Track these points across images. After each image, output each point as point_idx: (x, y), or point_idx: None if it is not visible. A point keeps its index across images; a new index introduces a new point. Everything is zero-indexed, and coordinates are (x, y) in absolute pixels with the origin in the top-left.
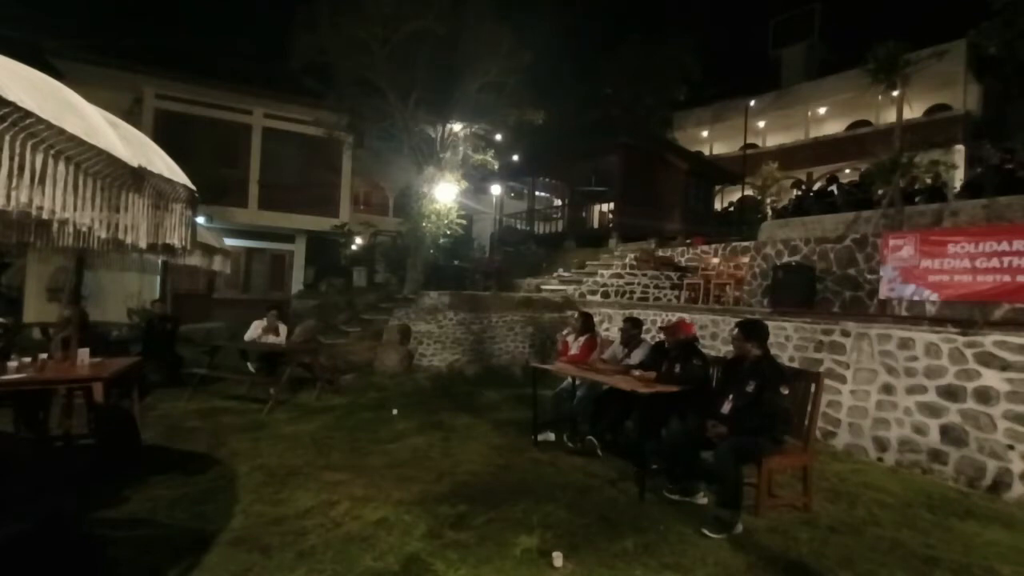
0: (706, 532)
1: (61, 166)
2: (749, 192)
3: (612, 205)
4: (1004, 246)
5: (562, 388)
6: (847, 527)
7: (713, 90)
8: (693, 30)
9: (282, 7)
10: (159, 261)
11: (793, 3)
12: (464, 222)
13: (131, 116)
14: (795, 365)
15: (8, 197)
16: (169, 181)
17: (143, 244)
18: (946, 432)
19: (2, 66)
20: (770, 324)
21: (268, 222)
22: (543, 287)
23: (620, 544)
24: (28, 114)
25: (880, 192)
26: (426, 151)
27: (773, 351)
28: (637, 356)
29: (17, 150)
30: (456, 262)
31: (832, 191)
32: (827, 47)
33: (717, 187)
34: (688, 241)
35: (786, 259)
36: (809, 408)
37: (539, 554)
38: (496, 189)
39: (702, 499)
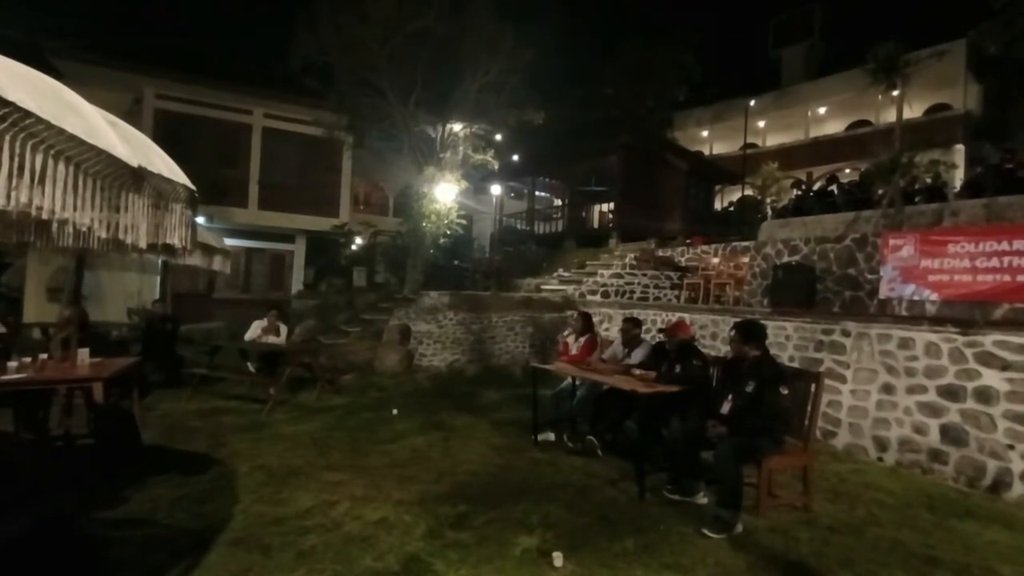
0: (706, 532)
1: (61, 166)
2: (749, 192)
3: (612, 205)
4: (1004, 246)
5: (562, 388)
6: (847, 527)
7: (713, 90)
8: (693, 30)
9: (282, 7)
10: (159, 261)
11: (793, 3)
12: (464, 222)
13: (131, 116)
14: (795, 365)
15: (8, 197)
16: (169, 181)
17: (143, 244)
18: (946, 432)
19: (2, 66)
20: (770, 324)
21: (268, 222)
22: (543, 287)
23: (620, 544)
24: (28, 114)
25: (880, 192)
26: (426, 151)
27: (773, 351)
28: (637, 356)
29: (17, 150)
30: (456, 262)
31: (832, 191)
32: (827, 47)
33: (717, 187)
34: (688, 241)
35: (786, 259)
36: (809, 408)
37: (539, 554)
38: (496, 189)
39: (702, 499)
